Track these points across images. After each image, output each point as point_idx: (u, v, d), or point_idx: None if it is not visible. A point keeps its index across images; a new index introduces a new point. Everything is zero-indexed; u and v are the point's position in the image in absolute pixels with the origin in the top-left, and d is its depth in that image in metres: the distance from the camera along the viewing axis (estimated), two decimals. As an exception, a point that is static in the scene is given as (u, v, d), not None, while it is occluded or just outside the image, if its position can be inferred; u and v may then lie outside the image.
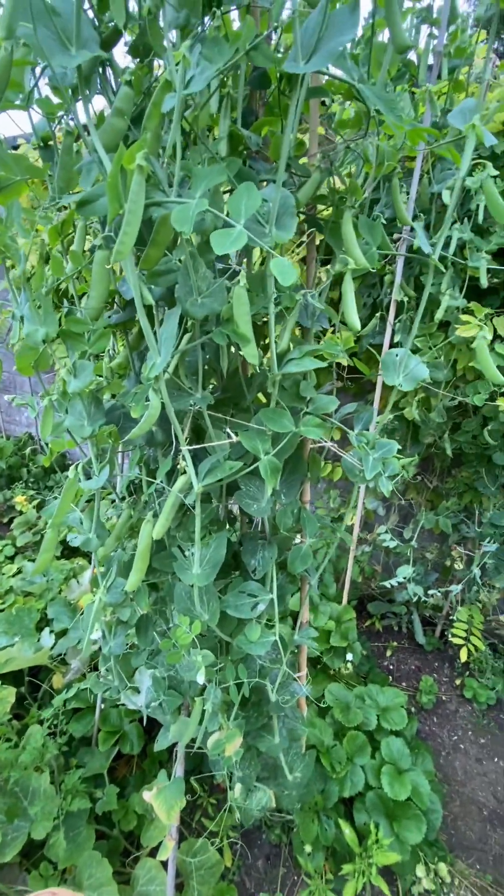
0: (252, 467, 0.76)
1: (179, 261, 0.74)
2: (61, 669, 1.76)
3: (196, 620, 0.81)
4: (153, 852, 1.40)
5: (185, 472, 0.73)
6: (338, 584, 2.30)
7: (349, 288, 0.72)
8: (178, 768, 1.15)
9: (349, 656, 1.90)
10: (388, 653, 2.36)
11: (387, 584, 2.06)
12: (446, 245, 1.37)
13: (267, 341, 0.91)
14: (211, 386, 0.96)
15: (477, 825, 1.69)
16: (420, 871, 1.48)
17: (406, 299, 1.60)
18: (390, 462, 0.92)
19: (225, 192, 0.87)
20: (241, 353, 0.82)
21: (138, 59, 0.73)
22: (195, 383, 0.75)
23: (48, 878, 1.29)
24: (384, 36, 1.04)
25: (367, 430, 0.96)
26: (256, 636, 0.89)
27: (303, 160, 0.91)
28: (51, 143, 0.80)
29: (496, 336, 1.54)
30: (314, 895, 1.33)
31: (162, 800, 1.00)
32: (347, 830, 1.41)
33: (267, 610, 0.95)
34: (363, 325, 1.80)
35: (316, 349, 0.73)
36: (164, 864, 1.30)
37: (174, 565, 0.79)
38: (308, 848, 1.43)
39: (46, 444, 0.98)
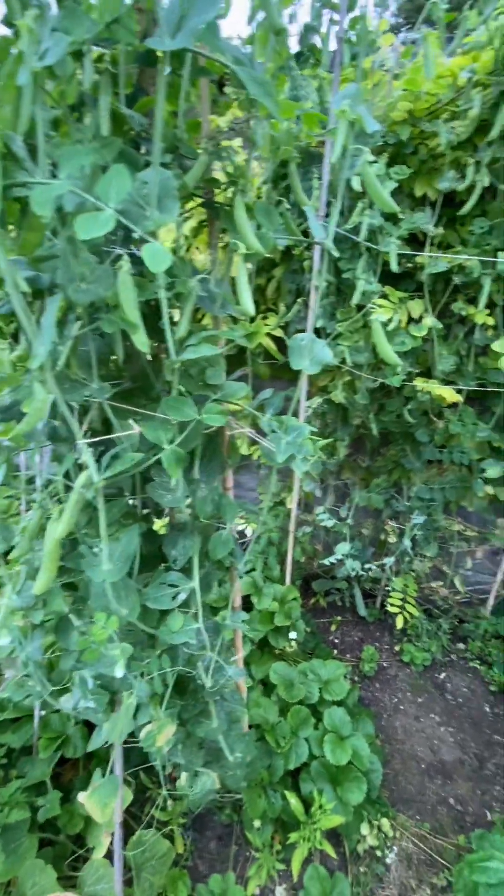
0: (157, 457, 0.75)
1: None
2: (-4, 680, 1.69)
3: (113, 616, 0.80)
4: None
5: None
6: (282, 565, 2.35)
7: (242, 272, 0.72)
8: (116, 766, 1.14)
9: (293, 635, 1.95)
10: (333, 627, 2.45)
11: (326, 561, 2.13)
12: (357, 230, 1.41)
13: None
14: (128, 375, 0.94)
15: (416, 778, 1.81)
16: (364, 829, 1.57)
17: (326, 284, 1.64)
18: (304, 444, 0.95)
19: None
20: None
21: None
22: (90, 373, 0.73)
23: (-11, 894, 1.25)
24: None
25: (284, 414, 0.98)
26: (178, 626, 0.89)
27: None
28: None
29: (410, 319, 1.62)
30: (262, 868, 1.37)
31: (96, 798, 0.98)
32: (293, 800, 1.47)
33: (192, 599, 0.96)
34: (288, 311, 1.83)
35: (212, 334, 0.72)
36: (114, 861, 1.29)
37: (83, 563, 0.77)
38: (257, 823, 1.47)
39: None
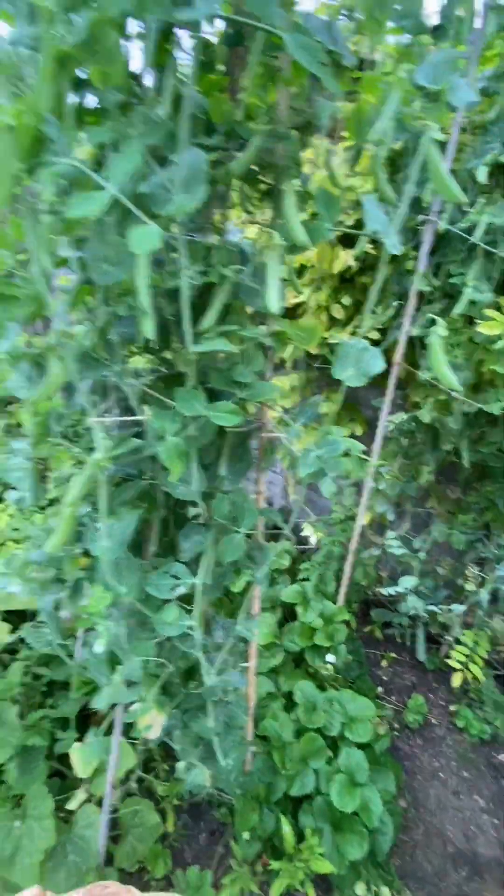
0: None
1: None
2: (54, 617, 1.89)
3: (109, 591, 0.82)
4: (101, 801, 1.48)
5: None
6: (338, 583, 2.22)
7: (273, 264, 0.66)
8: (115, 729, 1.20)
9: (330, 657, 1.84)
10: (384, 663, 2.25)
11: (385, 591, 1.95)
12: (471, 231, 1.22)
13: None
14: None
15: (437, 859, 1.59)
16: (360, 889, 1.43)
17: (431, 289, 1.46)
18: (336, 462, 0.86)
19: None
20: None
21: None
22: (115, 355, 0.74)
23: (3, 799, 1.42)
24: None
25: (317, 423, 0.90)
26: (172, 618, 0.88)
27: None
28: None
29: (526, 338, 1.36)
30: (237, 882, 1.33)
31: (81, 754, 1.04)
32: (287, 828, 1.39)
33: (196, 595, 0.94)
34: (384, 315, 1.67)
35: (232, 329, 0.68)
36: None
37: (89, 535, 0.80)
38: (246, 835, 1.43)
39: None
